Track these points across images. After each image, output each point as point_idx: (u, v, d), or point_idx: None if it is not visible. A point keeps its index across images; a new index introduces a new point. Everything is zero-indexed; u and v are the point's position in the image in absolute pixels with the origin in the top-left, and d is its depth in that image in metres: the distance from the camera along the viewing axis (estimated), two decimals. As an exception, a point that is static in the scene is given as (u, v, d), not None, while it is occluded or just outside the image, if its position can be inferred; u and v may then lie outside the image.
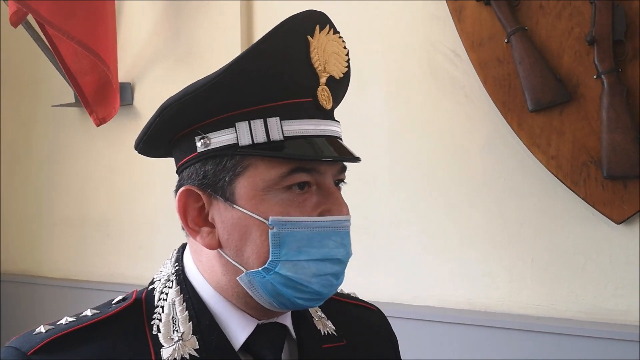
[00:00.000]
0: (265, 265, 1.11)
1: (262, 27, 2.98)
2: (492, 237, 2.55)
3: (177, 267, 1.24)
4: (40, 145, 3.59)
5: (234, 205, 1.13)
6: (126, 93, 3.26)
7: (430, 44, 2.64)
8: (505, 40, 2.44)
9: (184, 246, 1.29)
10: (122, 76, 3.28)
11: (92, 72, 3.00)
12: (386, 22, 2.72)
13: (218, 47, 3.05)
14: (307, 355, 1.24)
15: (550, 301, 2.46)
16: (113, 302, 1.22)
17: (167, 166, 3.20)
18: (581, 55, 2.37)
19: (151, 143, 1.22)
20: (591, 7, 2.33)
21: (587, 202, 2.37)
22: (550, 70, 2.38)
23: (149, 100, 3.24)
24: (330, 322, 1.33)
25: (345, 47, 1.21)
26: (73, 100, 3.35)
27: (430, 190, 2.64)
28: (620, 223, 2.34)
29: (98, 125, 3.08)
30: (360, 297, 1.52)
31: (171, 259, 1.28)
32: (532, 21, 2.43)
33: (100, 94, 3.08)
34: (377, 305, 1.52)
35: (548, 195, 2.46)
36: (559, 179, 2.40)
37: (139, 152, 1.26)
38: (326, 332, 1.30)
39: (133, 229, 3.32)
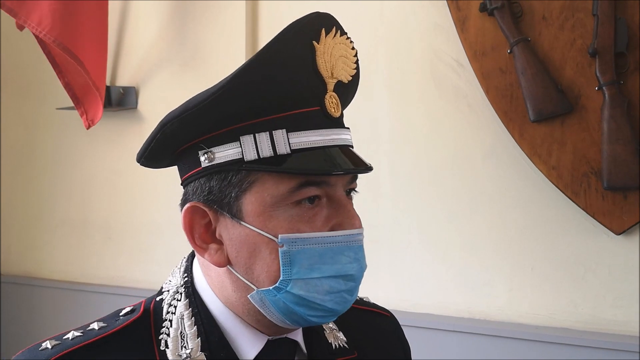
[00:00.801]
0: (277, 285, 1.07)
1: (268, 32, 2.99)
2: (493, 246, 2.55)
3: (186, 279, 1.19)
4: (44, 148, 3.58)
5: (242, 222, 1.08)
6: (130, 97, 3.25)
7: (434, 54, 2.64)
8: (508, 51, 2.44)
9: (193, 254, 1.24)
10: (127, 80, 3.29)
11: (80, 73, 2.98)
12: (390, 31, 2.72)
13: (223, 51, 3.05)
14: None
15: (549, 311, 2.46)
16: (121, 314, 1.19)
17: (169, 170, 3.21)
18: (583, 67, 2.38)
19: (153, 157, 1.18)
20: (594, 20, 2.34)
21: (587, 213, 2.37)
22: (552, 81, 2.38)
23: (153, 105, 3.24)
24: (341, 334, 1.30)
25: (353, 48, 1.16)
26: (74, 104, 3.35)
27: (431, 199, 2.64)
28: (620, 234, 2.34)
29: (88, 128, 3.06)
30: (372, 302, 1.49)
31: (180, 268, 1.24)
32: (535, 32, 2.43)
33: (89, 96, 3.06)
34: None
35: (548, 205, 2.46)
36: (559, 189, 2.40)
37: (141, 165, 1.23)
38: (337, 345, 1.27)
39: (134, 232, 3.31)
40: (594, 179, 2.35)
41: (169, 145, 1.13)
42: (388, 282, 2.70)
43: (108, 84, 3.30)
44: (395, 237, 2.71)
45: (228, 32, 3.03)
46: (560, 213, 2.44)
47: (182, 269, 1.22)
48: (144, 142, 1.16)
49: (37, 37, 2.94)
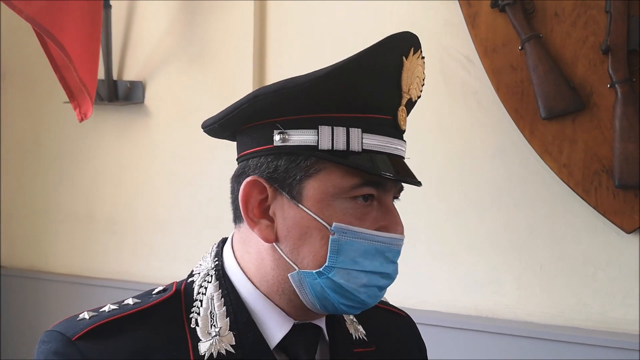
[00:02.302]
0: (320, 269, 1.11)
1: (276, 29, 2.95)
2: (501, 244, 2.51)
3: (216, 262, 1.23)
4: (50, 142, 3.54)
5: (299, 205, 1.12)
6: (137, 91, 3.21)
7: (444, 50, 2.60)
8: (519, 47, 2.40)
9: (223, 240, 1.28)
10: (134, 75, 3.25)
11: (71, 70, 2.94)
12: (399, 27, 2.66)
13: (231, 47, 3.00)
14: (338, 358, 1.23)
15: (558, 309, 2.42)
16: (153, 293, 1.23)
17: (174, 165, 3.20)
18: (595, 64, 2.34)
19: (226, 126, 1.20)
20: (606, 17, 2.30)
21: (597, 211, 2.33)
22: (564, 78, 2.34)
23: (160, 100, 3.20)
24: (361, 327, 1.33)
25: (424, 71, 1.22)
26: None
27: (440, 196, 2.60)
28: (630, 233, 2.31)
29: (81, 121, 3.02)
30: (390, 302, 1.50)
31: (211, 253, 1.27)
32: (546, 29, 2.39)
33: (81, 92, 3.02)
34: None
35: (558, 203, 2.42)
36: (570, 187, 2.36)
37: (206, 132, 1.25)
38: (357, 337, 1.30)
39: (139, 226, 3.28)
40: (605, 177, 2.31)
41: (248, 118, 1.16)
42: (395, 280, 2.65)
43: (115, 78, 3.26)
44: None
45: (236, 28, 2.99)
46: (571, 211, 2.40)
47: (213, 253, 1.26)
48: (217, 113, 1.19)
49: (35, 30, 2.89)
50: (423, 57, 1.21)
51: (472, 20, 2.49)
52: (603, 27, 2.32)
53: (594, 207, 2.33)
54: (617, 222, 2.31)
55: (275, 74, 2.90)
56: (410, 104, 1.22)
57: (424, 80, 1.23)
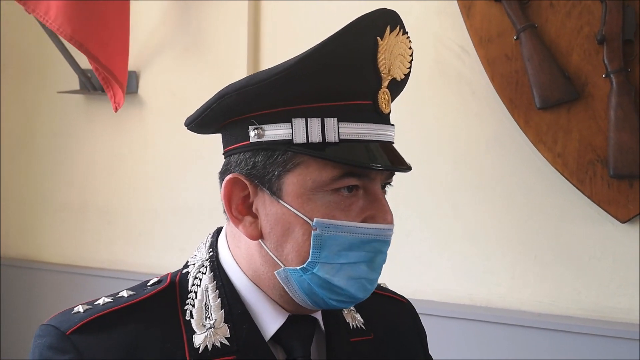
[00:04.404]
0: (304, 265, 1.08)
1: (270, 18, 2.89)
2: (496, 234, 2.47)
3: (211, 253, 1.20)
4: (44, 131, 3.49)
5: (280, 201, 1.09)
6: (131, 81, 3.16)
7: (438, 40, 2.55)
8: (515, 37, 2.36)
9: (218, 230, 1.25)
10: (128, 64, 3.19)
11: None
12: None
13: (225, 37, 2.95)
14: (335, 349, 1.20)
15: (552, 298, 2.38)
16: (148, 284, 1.20)
17: (168, 155, 3.15)
18: (590, 54, 2.29)
19: (203, 124, 1.17)
20: (601, 6, 2.26)
21: (592, 201, 2.29)
22: (559, 68, 2.30)
23: (154, 89, 3.14)
24: (359, 315, 1.30)
25: (410, 48, 1.15)
26: (78, 87, 3.25)
27: (434, 185, 2.55)
28: (625, 222, 2.27)
29: (116, 111, 2.98)
30: (390, 288, 1.46)
31: (205, 243, 1.23)
32: (541, 19, 2.35)
33: (113, 84, 2.98)
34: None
35: (553, 192, 2.38)
36: (564, 177, 2.32)
37: (189, 130, 1.22)
38: (355, 326, 1.27)
39: (133, 216, 3.23)
40: (599, 167, 2.27)
41: (221, 116, 1.13)
42: (389, 269, 2.60)
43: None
44: (397, 224, 2.60)
45: (230, 17, 2.94)
46: (565, 201, 2.36)
47: (207, 244, 1.22)
48: (196, 110, 1.16)
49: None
50: (406, 33, 1.13)
51: (467, 10, 2.44)
52: (598, 17, 2.27)
53: (588, 197, 2.30)
54: (611, 211, 2.27)
55: (270, 63, 2.84)
56: (395, 84, 1.15)
57: (411, 56, 1.16)
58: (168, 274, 1.20)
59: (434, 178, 2.55)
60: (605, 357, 2.24)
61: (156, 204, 3.16)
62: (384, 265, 1.16)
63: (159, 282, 1.19)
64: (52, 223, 3.46)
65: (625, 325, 2.26)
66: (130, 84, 3.15)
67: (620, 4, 2.23)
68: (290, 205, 1.08)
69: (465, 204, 2.51)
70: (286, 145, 1.07)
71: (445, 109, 2.54)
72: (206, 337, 1.10)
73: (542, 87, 2.31)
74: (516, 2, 2.33)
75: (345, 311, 1.27)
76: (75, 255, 3.37)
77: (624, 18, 2.23)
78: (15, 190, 3.58)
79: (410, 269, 2.59)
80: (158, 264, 3.10)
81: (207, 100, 1.13)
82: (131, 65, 3.16)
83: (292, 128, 1.07)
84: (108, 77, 2.89)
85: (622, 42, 2.23)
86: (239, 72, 2.86)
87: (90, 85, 3.19)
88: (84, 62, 3.09)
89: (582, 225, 2.34)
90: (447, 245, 2.54)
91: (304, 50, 1.06)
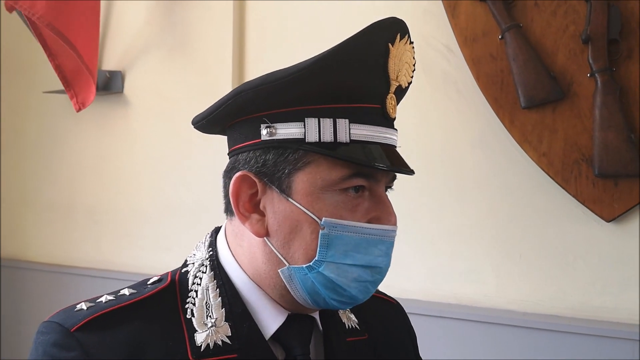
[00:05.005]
0: (310, 264, 1.09)
1: (255, 17, 2.87)
2: (481, 233, 2.45)
3: (211, 252, 1.20)
4: (30, 131, 3.46)
5: (289, 199, 1.10)
6: (116, 81, 3.13)
7: (423, 39, 2.52)
8: (500, 37, 2.34)
9: (217, 230, 1.25)
10: (113, 64, 3.16)
11: (72, 56, 2.86)
12: (380, 17, 2.59)
13: (210, 37, 2.93)
14: (332, 348, 1.22)
15: (537, 297, 2.36)
16: (149, 283, 1.20)
17: (155, 155, 3.12)
18: (575, 54, 2.27)
19: (213, 122, 1.18)
20: (586, 6, 2.24)
21: (577, 200, 2.27)
22: (544, 67, 2.28)
23: (139, 89, 3.11)
24: (353, 315, 1.31)
25: (414, 57, 1.18)
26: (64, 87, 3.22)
27: (419, 185, 2.52)
28: (610, 221, 2.25)
29: (78, 111, 2.96)
30: (380, 290, 1.46)
31: (204, 242, 1.24)
32: (526, 18, 2.32)
33: (80, 79, 2.95)
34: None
35: (538, 192, 2.36)
36: (549, 176, 2.30)
37: (196, 128, 1.23)
38: (350, 326, 1.28)
39: (120, 216, 3.20)
40: (584, 166, 2.25)
41: (234, 113, 1.14)
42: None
43: (94, 67, 3.17)
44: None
45: (215, 17, 2.92)
46: (550, 200, 2.34)
47: (207, 243, 1.23)
48: (207, 108, 1.17)
49: (28, 19, 2.80)
50: (412, 43, 1.16)
51: (452, 10, 2.42)
52: (583, 17, 2.25)
53: (573, 196, 2.28)
54: (596, 211, 2.25)
55: (255, 62, 2.82)
56: (400, 91, 1.18)
57: (414, 65, 1.19)
58: (168, 272, 1.21)
59: (419, 177, 2.50)
60: (591, 356, 2.22)
61: (143, 204, 3.13)
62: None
63: (159, 280, 1.20)
64: (39, 223, 3.43)
65: (611, 324, 2.24)
66: (116, 84, 3.13)
67: (605, 4, 2.20)
68: (299, 204, 1.09)
69: (450, 203, 2.49)
70: (297, 143, 1.09)
71: (430, 108, 2.52)
72: (208, 335, 1.11)
73: (527, 87, 2.29)
74: (501, 2, 2.31)
75: (341, 311, 1.29)
76: (62, 255, 3.35)
77: (608, 17, 2.21)
78: (2, 190, 3.54)
79: (396, 268, 2.54)
80: (144, 264, 3.08)
81: (218, 100, 1.14)
82: (117, 65, 3.14)
83: (304, 127, 1.08)
84: (70, 76, 2.88)
85: (607, 41, 2.21)
86: (224, 72, 2.84)
87: (76, 85, 3.15)
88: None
89: (567, 224, 2.32)
90: (432, 245, 2.52)
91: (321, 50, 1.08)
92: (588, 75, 2.24)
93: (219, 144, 2.96)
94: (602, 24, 2.21)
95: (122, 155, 3.16)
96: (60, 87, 3.21)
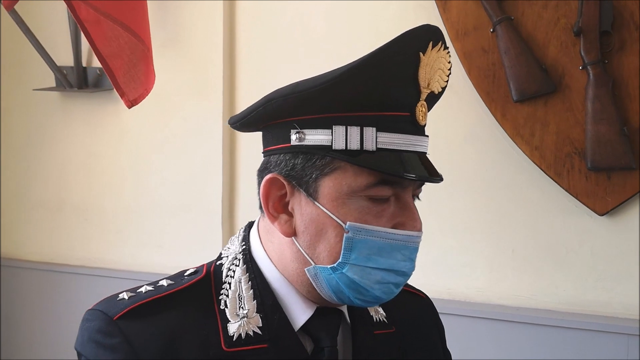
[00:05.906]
0: (334, 265, 1.12)
1: (245, 16, 2.82)
2: (474, 227, 2.42)
3: (244, 246, 1.24)
4: (20, 129, 3.41)
5: (316, 202, 1.13)
6: (107, 78, 3.06)
7: (415, 33, 2.49)
8: (491, 30, 2.31)
9: (250, 224, 1.29)
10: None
11: (121, 54, 2.81)
12: (371, 11, 2.56)
13: (201, 34, 2.88)
14: (359, 340, 1.25)
15: (530, 292, 2.34)
16: (185, 275, 1.24)
17: (144, 152, 3.07)
18: (567, 46, 2.25)
19: (247, 125, 1.22)
20: (578, -2, 2.21)
21: (570, 194, 2.26)
22: (536, 60, 2.25)
23: (130, 86, 3.07)
24: (381, 309, 1.32)
25: (449, 62, 1.18)
26: (54, 85, 3.17)
27: (411, 180, 2.49)
28: (603, 215, 2.23)
29: (130, 107, 2.89)
30: (410, 284, 1.44)
31: (238, 237, 1.27)
32: (518, 11, 2.30)
33: (131, 76, 2.90)
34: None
35: (531, 186, 2.34)
36: (542, 169, 2.28)
37: (232, 128, 1.27)
38: (377, 319, 1.30)
39: (110, 213, 3.15)
40: (577, 160, 2.23)
41: (265, 118, 1.17)
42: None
43: (84, 65, 3.13)
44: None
45: (206, 14, 2.87)
46: (543, 194, 2.32)
47: (240, 238, 1.26)
48: (242, 112, 1.19)
49: (81, 25, 2.73)
50: (447, 49, 1.16)
51: (443, 4, 2.39)
52: (575, 9, 2.23)
53: (566, 190, 2.26)
54: (589, 204, 2.23)
55: (246, 59, 2.78)
56: (433, 97, 1.18)
57: (449, 70, 1.18)
58: (204, 265, 1.25)
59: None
60: (584, 350, 2.20)
61: (132, 202, 3.09)
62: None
63: (195, 272, 1.24)
64: (28, 221, 3.38)
65: (604, 318, 2.23)
66: (106, 81, 3.08)
67: (597, -4, 2.19)
68: (325, 208, 1.12)
69: (442, 198, 2.46)
70: (325, 150, 1.11)
71: (422, 103, 2.48)
72: (240, 325, 1.15)
73: (518, 80, 2.26)
74: (492, -5, 2.29)
75: None
76: (51, 253, 3.30)
77: (600, 10, 2.19)
78: (-9, 188, 3.50)
79: (388, 264, 2.53)
80: (135, 262, 3.03)
81: (250, 106, 1.17)
82: (107, 62, 3.10)
83: (332, 134, 1.10)
84: (119, 75, 2.81)
85: (599, 33, 2.19)
86: (215, 68, 2.80)
87: (67, 83, 3.11)
88: (60, 59, 3.03)
89: (560, 218, 2.30)
90: (424, 240, 2.42)
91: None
92: (580, 67, 2.22)
93: (210, 142, 2.92)
94: (594, 16, 2.19)
95: (111, 153, 3.12)
96: (50, 84, 3.18)
